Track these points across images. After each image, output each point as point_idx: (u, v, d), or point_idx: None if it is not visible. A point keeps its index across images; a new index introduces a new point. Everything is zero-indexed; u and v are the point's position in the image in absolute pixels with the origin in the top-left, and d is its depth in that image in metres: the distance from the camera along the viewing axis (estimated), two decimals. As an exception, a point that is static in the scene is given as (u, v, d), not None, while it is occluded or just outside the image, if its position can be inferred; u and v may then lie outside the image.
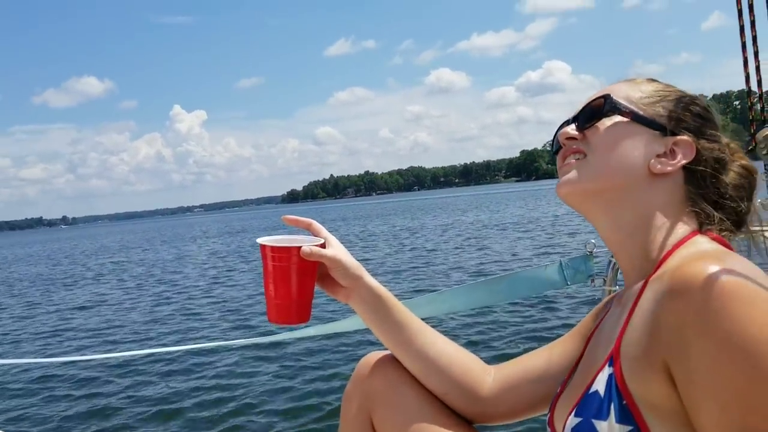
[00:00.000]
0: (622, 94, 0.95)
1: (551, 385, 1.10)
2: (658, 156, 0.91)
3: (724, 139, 0.95)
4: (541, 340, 6.18)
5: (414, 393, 1.14)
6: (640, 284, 0.87)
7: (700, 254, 0.80)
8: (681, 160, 0.90)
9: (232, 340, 7.54)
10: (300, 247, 1.07)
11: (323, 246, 1.11)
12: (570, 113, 1.02)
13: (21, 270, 26.54)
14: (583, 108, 0.98)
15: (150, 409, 5.42)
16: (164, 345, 8.10)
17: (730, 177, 0.93)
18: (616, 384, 0.81)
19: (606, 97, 0.94)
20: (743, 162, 0.96)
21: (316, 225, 1.17)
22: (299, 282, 1.07)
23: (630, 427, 0.77)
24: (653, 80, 0.99)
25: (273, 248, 1.07)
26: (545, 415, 1.07)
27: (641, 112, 0.92)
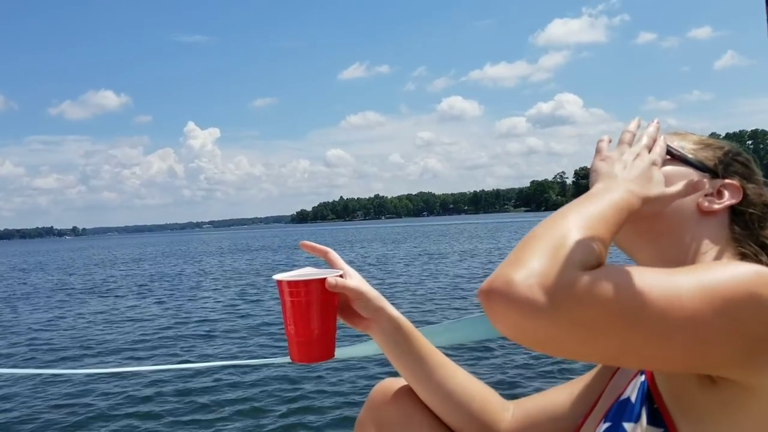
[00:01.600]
0: (669, 140, 0.98)
1: (572, 422, 1.07)
2: (707, 195, 0.92)
3: None
4: (561, 373, 6.17)
5: (429, 425, 1.13)
6: None
7: None
8: (729, 200, 0.92)
9: (244, 360, 7.46)
10: (318, 279, 1.03)
11: (342, 277, 1.09)
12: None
13: (34, 279, 26.83)
14: None
15: (155, 427, 5.44)
16: (171, 362, 8.14)
17: None
18: (647, 389, 0.85)
19: None
20: None
21: (333, 254, 1.15)
22: (321, 316, 1.04)
23: (660, 429, 0.80)
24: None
25: (290, 282, 1.02)
26: None
27: (690, 156, 0.95)
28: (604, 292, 0.65)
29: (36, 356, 9.22)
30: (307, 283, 1.02)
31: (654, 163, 0.89)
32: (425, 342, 1.15)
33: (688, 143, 0.98)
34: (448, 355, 1.18)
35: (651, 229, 0.91)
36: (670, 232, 0.91)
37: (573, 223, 0.73)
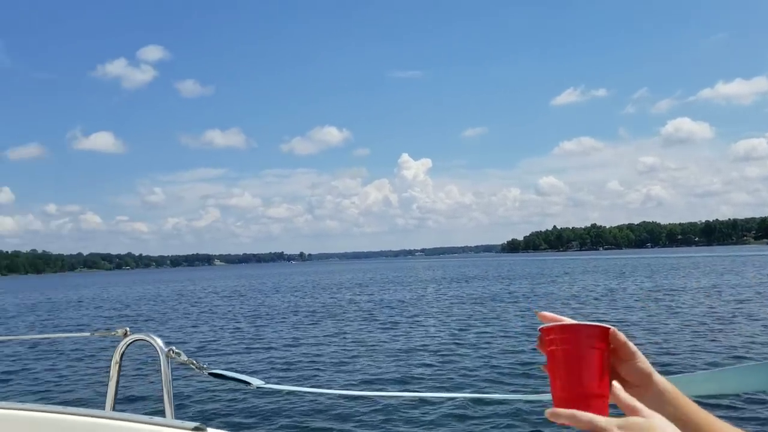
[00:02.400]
0: None
1: None
2: None
3: None
4: None
5: None
6: None
7: None
8: None
9: (458, 393, 7.58)
10: (596, 327, 0.85)
11: None
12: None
13: (273, 300, 29.43)
14: None
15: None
16: (404, 390, 8.35)
17: None
18: None
19: None
20: None
21: None
22: (595, 369, 0.84)
23: None
24: None
25: (559, 327, 0.86)
26: None
27: None
28: None
29: (283, 373, 9.90)
30: (578, 328, 0.85)
31: None
32: (695, 407, 0.98)
33: None
34: (709, 406, 0.99)
35: None
36: None
37: None
